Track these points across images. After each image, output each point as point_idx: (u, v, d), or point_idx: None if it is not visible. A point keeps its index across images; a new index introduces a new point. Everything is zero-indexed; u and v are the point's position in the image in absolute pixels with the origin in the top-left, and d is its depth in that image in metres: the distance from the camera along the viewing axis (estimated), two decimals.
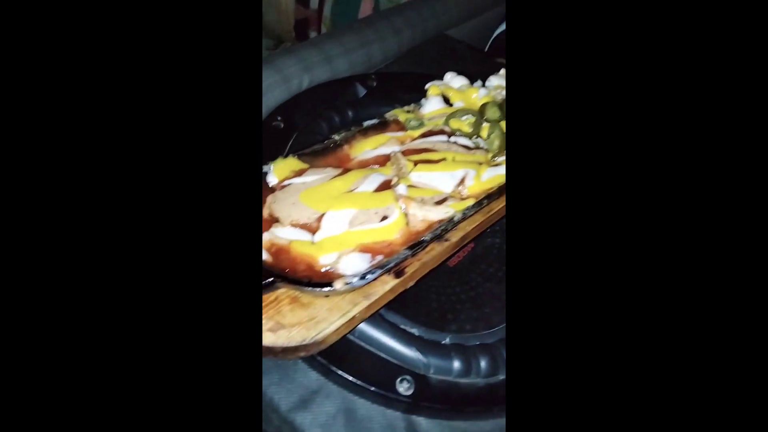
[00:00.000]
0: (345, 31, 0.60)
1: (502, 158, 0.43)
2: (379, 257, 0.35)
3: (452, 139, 0.44)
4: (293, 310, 0.33)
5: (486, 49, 0.97)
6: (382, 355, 0.38)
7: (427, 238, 0.35)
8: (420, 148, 0.42)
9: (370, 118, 0.54)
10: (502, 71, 0.53)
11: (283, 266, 0.33)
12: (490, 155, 0.44)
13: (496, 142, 0.44)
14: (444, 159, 0.41)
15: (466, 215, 0.37)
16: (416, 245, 0.35)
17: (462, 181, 0.40)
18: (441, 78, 0.54)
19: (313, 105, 0.53)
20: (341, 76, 0.58)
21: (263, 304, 0.33)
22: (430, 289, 0.42)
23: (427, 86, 0.48)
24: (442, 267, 0.41)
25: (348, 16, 0.90)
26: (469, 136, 0.44)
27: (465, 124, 0.45)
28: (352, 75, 0.58)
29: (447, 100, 0.48)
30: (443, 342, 0.39)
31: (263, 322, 0.32)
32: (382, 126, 0.45)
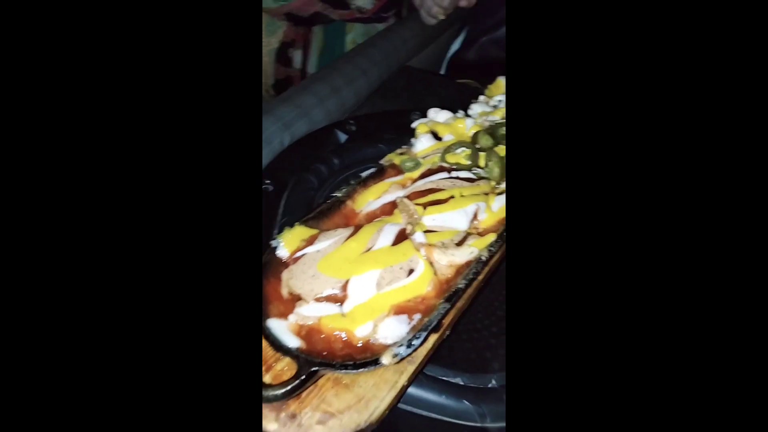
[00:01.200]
0: (314, 80, 0.59)
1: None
2: (417, 315, 0.32)
3: (453, 174, 0.43)
4: (338, 394, 0.30)
5: (443, 71, 0.99)
6: (434, 415, 0.35)
7: (461, 285, 0.33)
8: (424, 189, 0.41)
9: (357, 163, 0.52)
10: (482, 97, 0.53)
11: (318, 349, 0.30)
12: (493, 183, 0.43)
13: (496, 170, 0.43)
14: (452, 197, 0.40)
15: (492, 252, 0.36)
16: (453, 295, 0.33)
17: (475, 216, 0.39)
18: (415, 110, 0.54)
19: (298, 160, 0.51)
20: (319, 127, 0.57)
21: (305, 395, 0.30)
22: (459, 330, 0.40)
23: (413, 125, 0.48)
24: None
25: None
26: (469, 168, 0.43)
27: (461, 156, 0.44)
28: (331, 123, 0.57)
29: (436, 136, 0.47)
30: (490, 386, 0.37)
31: (309, 414, 0.29)
32: (380, 173, 0.43)
